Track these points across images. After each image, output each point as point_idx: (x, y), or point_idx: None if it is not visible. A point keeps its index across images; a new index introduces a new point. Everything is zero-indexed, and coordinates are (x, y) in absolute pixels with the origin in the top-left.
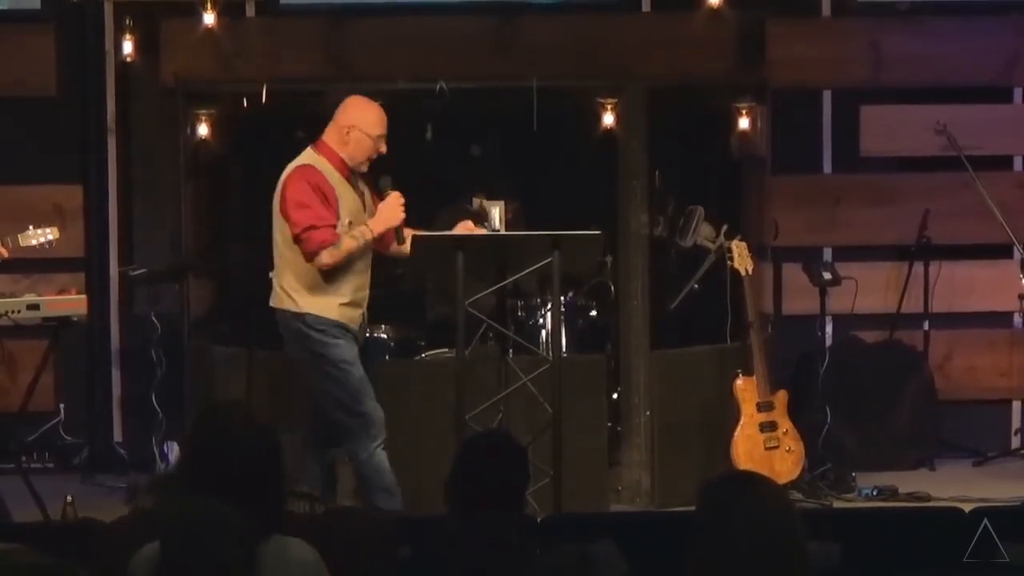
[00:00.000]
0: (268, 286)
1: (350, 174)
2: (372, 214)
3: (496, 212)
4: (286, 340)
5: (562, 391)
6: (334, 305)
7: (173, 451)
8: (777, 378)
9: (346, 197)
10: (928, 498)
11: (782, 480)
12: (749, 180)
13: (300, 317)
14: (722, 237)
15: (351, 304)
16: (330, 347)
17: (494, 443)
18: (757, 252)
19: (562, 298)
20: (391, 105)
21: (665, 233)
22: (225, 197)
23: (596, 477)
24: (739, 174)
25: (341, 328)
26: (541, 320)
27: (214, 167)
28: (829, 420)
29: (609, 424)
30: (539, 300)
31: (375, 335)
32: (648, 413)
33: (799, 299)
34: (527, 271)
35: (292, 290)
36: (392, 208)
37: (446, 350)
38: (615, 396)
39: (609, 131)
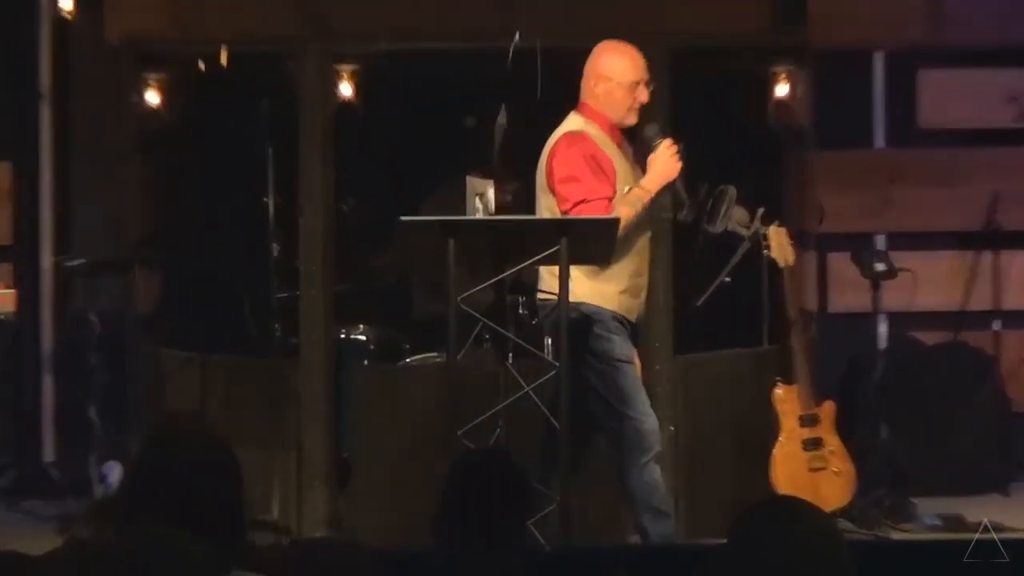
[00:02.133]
0: (223, 278)
1: (621, 137)
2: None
3: (489, 193)
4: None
5: (570, 402)
6: (613, 293)
7: (114, 472)
8: (823, 387)
9: (621, 164)
10: (1001, 528)
11: (829, 507)
12: (788, 156)
13: (575, 307)
14: (757, 222)
15: (628, 292)
16: (604, 341)
17: (491, 464)
18: (798, 240)
19: None
20: (369, 70)
21: (691, 217)
22: (178, 175)
23: (611, 503)
24: (777, 149)
25: (618, 322)
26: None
27: (166, 140)
28: (884, 436)
29: None
30: None
31: (351, 336)
32: (672, 428)
33: (848, 294)
34: (530, 262)
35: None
36: (665, 160)
37: (435, 354)
38: None
39: None
